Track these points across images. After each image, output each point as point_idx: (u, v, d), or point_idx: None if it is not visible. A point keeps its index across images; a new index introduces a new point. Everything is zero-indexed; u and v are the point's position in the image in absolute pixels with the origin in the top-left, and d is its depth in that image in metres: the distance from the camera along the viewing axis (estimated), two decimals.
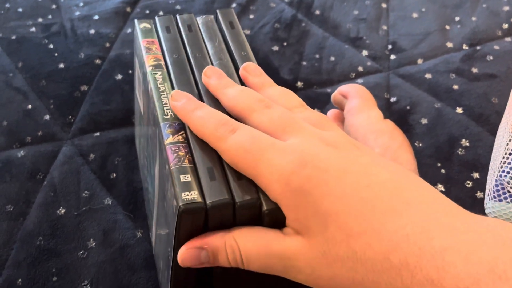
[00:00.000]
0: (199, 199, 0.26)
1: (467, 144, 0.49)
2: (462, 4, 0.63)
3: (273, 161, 0.25)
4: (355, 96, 0.43)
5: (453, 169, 0.47)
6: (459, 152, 0.48)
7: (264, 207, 0.26)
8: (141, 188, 0.45)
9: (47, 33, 0.58)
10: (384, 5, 0.63)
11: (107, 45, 0.57)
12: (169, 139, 0.29)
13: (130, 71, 0.54)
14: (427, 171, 0.47)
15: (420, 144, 0.49)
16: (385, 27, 0.61)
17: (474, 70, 0.55)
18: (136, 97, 0.41)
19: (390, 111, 0.52)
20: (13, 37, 0.57)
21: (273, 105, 0.28)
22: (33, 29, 0.59)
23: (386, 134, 0.40)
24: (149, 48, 0.34)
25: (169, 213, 0.28)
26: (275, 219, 0.26)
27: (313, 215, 0.24)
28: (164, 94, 0.31)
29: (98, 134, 0.49)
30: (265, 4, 0.63)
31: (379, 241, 0.23)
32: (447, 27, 0.60)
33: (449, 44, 0.58)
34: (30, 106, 0.51)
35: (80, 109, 0.51)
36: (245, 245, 0.26)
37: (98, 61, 0.56)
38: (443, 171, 0.47)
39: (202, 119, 0.28)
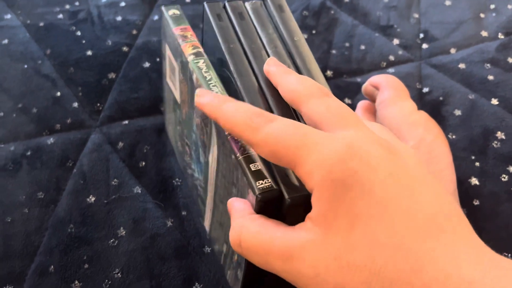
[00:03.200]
0: (274, 186, 0.26)
1: (503, 136, 0.47)
2: None
3: (318, 146, 0.23)
4: (387, 87, 0.42)
5: (488, 163, 0.46)
6: (494, 145, 0.47)
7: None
8: (170, 176, 0.45)
9: (74, 20, 0.58)
10: None
11: (134, 32, 0.57)
12: None
13: (158, 59, 0.54)
14: (461, 164, 0.46)
15: (454, 136, 0.48)
16: (416, 15, 0.59)
17: (510, 60, 0.54)
18: (167, 85, 0.41)
19: (422, 102, 0.51)
20: (41, 24, 0.57)
21: (333, 96, 0.27)
22: (61, 15, 0.58)
23: (421, 126, 0.39)
24: (184, 35, 0.34)
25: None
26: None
27: (344, 213, 0.22)
28: (212, 83, 0.31)
29: (126, 122, 0.49)
30: None
31: (405, 258, 0.21)
32: (482, 15, 0.58)
33: (484, 33, 0.57)
34: (59, 94, 0.51)
35: (108, 97, 0.51)
36: (247, 237, 0.25)
37: (125, 49, 0.55)
38: (477, 164, 0.46)
39: (235, 110, 0.26)
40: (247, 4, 0.36)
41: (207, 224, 0.39)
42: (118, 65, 0.54)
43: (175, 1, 0.60)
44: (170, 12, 0.36)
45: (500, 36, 0.56)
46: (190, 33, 0.34)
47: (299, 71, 0.32)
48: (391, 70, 0.54)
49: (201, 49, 0.33)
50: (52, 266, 0.39)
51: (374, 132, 0.25)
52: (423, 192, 0.23)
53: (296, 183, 0.26)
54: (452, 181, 0.38)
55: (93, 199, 0.43)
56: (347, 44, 0.56)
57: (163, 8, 0.36)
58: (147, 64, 0.54)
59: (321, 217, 0.23)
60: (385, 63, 0.54)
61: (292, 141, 0.24)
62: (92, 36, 0.56)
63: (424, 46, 0.56)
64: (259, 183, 0.26)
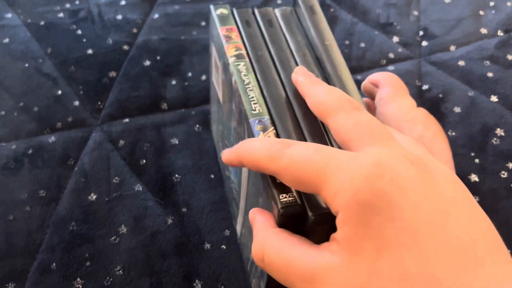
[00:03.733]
0: (298, 201, 0.25)
1: (502, 133, 0.48)
2: None
3: (343, 165, 0.21)
4: (386, 85, 0.42)
5: (488, 159, 0.46)
6: (494, 142, 0.47)
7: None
8: (170, 173, 0.45)
9: (74, 19, 0.58)
10: None
11: (134, 30, 0.57)
12: (260, 136, 0.27)
13: (158, 57, 0.54)
14: (460, 161, 0.46)
15: (453, 133, 0.48)
16: (416, 13, 0.59)
17: (510, 57, 0.54)
18: (213, 83, 0.40)
19: (422, 99, 0.51)
20: (42, 23, 0.58)
21: (363, 109, 0.25)
22: (61, 14, 0.59)
23: (420, 123, 0.39)
24: (228, 36, 0.33)
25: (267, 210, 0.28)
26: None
27: (371, 238, 0.20)
28: (249, 87, 0.30)
29: (127, 120, 0.49)
30: None
31: None
32: (481, 12, 0.58)
33: (483, 30, 0.57)
34: (59, 92, 0.51)
35: (109, 96, 0.51)
36: (270, 252, 0.24)
37: (125, 47, 0.55)
38: (477, 161, 0.46)
39: (253, 146, 0.25)
40: (277, 11, 0.35)
41: (238, 228, 0.39)
42: (118, 64, 0.54)
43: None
44: (218, 12, 0.35)
45: (500, 33, 0.56)
46: (235, 34, 0.33)
47: (329, 78, 0.31)
48: (390, 67, 0.54)
49: (244, 51, 0.32)
50: (54, 264, 0.40)
51: (406, 147, 0.24)
52: (458, 217, 0.21)
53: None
54: None
55: (94, 197, 0.44)
56: (346, 42, 0.56)
57: (211, 7, 0.35)
58: (147, 63, 0.54)
59: (347, 240, 0.21)
60: (384, 61, 0.55)
61: (314, 163, 0.22)
62: (93, 34, 0.57)
63: (424, 43, 0.56)
64: (282, 196, 0.25)
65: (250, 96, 0.29)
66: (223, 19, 0.34)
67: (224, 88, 0.35)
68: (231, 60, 0.31)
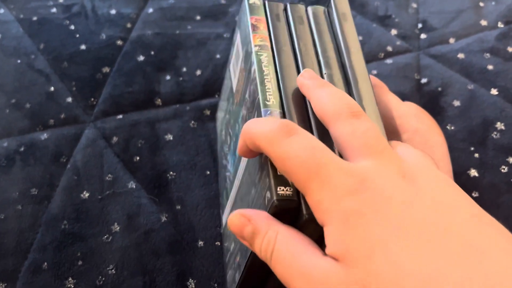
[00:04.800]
0: (295, 197, 0.24)
1: (503, 127, 0.47)
2: None
3: (329, 180, 0.21)
4: None
5: (488, 154, 0.45)
6: (494, 136, 0.46)
7: (304, 211, 0.24)
8: (164, 170, 0.44)
9: (68, 14, 0.57)
10: None
11: (128, 25, 0.56)
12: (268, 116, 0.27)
13: (152, 52, 0.53)
14: (460, 155, 0.45)
15: (453, 127, 0.47)
16: (414, 5, 0.58)
17: (510, 49, 0.53)
18: (229, 72, 0.40)
19: (420, 93, 0.50)
20: (34, 18, 0.57)
21: (362, 116, 0.24)
22: (54, 10, 0.58)
23: (412, 117, 0.38)
24: (256, 26, 0.33)
25: (257, 202, 0.27)
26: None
27: (360, 240, 0.20)
28: (267, 78, 0.30)
29: (120, 116, 0.48)
30: None
31: (439, 286, 0.19)
32: (481, 4, 0.57)
33: (483, 22, 0.56)
34: (52, 89, 0.51)
35: (103, 91, 0.50)
36: (280, 246, 0.23)
37: (119, 42, 0.55)
38: (476, 155, 0.45)
39: (257, 124, 0.25)
40: (309, 9, 0.35)
41: (224, 218, 0.39)
42: (112, 59, 0.53)
43: None
44: (251, 1, 0.35)
45: (500, 25, 0.55)
46: (263, 25, 0.33)
47: (350, 85, 0.31)
48: (389, 60, 0.53)
49: (268, 44, 0.32)
50: (45, 263, 0.39)
51: (403, 159, 0.23)
52: (455, 216, 0.21)
53: None
54: (448, 171, 0.37)
55: (87, 194, 0.43)
56: None
57: None
58: (141, 58, 0.53)
59: (337, 246, 0.21)
60: (383, 54, 0.54)
61: (305, 165, 0.22)
62: (86, 30, 0.56)
63: (423, 36, 0.55)
64: (280, 188, 0.25)
65: (267, 87, 0.29)
66: (254, 9, 0.34)
67: (240, 77, 0.35)
68: (255, 49, 0.31)
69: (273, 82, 0.30)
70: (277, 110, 0.28)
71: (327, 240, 0.21)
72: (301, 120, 0.28)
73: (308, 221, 0.24)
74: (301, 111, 0.28)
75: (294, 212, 0.25)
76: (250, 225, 0.25)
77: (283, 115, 0.28)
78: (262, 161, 0.27)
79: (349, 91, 0.30)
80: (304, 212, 0.24)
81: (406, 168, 0.22)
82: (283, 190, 0.25)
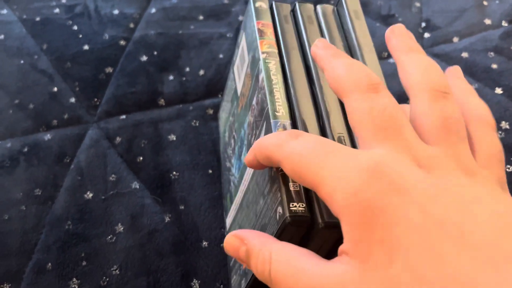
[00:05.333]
0: (307, 213, 0.24)
1: (507, 126, 0.46)
2: None
3: (341, 166, 0.20)
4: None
5: None
6: (499, 135, 0.46)
7: (319, 220, 0.24)
8: (167, 170, 0.44)
9: (70, 14, 0.57)
10: None
11: (131, 25, 0.56)
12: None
13: (155, 52, 0.53)
14: None
15: None
16: (418, 4, 0.58)
17: None
18: (233, 73, 0.40)
19: None
20: (37, 19, 0.57)
21: (382, 91, 0.22)
22: (57, 10, 0.58)
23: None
24: (263, 31, 0.32)
25: (267, 214, 0.27)
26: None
27: (379, 241, 0.18)
28: (276, 88, 0.29)
29: (124, 117, 0.48)
30: None
31: None
32: (485, 2, 0.57)
33: (487, 21, 0.55)
34: (55, 89, 0.51)
35: (106, 92, 0.50)
36: (277, 265, 0.22)
37: (122, 42, 0.55)
38: None
39: (265, 138, 0.24)
40: (318, 7, 0.34)
41: (228, 221, 0.39)
42: (115, 59, 0.53)
43: None
44: (257, 4, 0.34)
45: (504, 24, 0.55)
46: (270, 31, 0.32)
47: None
48: (392, 60, 0.53)
49: (276, 50, 0.31)
50: (49, 264, 0.39)
51: (424, 146, 0.21)
52: (478, 214, 0.19)
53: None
54: None
55: (90, 195, 0.43)
56: None
57: None
58: (144, 58, 0.53)
59: (355, 248, 0.19)
60: (386, 53, 0.53)
61: (314, 159, 0.21)
62: (89, 30, 0.56)
63: (426, 35, 0.55)
64: (293, 204, 0.24)
65: (276, 97, 0.29)
66: (260, 13, 0.33)
67: (246, 82, 0.34)
68: (262, 55, 0.31)
69: (282, 91, 0.29)
70: (287, 121, 0.28)
71: (345, 233, 0.20)
72: (310, 128, 0.28)
73: (323, 229, 0.24)
74: (312, 119, 0.28)
75: (307, 226, 0.25)
76: (244, 246, 0.24)
77: (294, 125, 0.28)
78: (272, 174, 0.27)
79: None
80: (320, 220, 0.24)
81: (422, 156, 0.20)
82: (295, 206, 0.24)
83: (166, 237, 0.40)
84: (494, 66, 0.51)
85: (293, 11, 0.34)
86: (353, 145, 0.27)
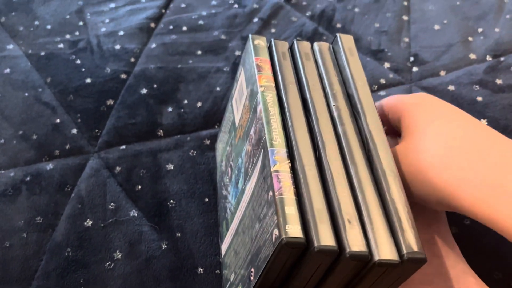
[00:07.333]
0: (302, 235, 0.26)
1: None
2: (485, 16, 0.62)
3: (403, 97, 0.38)
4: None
5: None
6: None
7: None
8: (165, 199, 0.46)
9: (74, 49, 0.60)
10: (405, 18, 0.63)
11: (132, 60, 0.59)
12: (276, 166, 0.29)
13: (155, 85, 0.56)
14: None
15: None
16: (406, 39, 0.61)
17: (498, 81, 0.55)
18: (231, 106, 0.42)
19: None
20: (42, 53, 0.59)
21: None
22: (61, 45, 0.60)
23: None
24: (261, 67, 0.35)
25: (262, 237, 0.28)
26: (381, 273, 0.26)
27: (411, 124, 0.35)
28: (273, 118, 0.31)
29: (124, 147, 0.50)
30: (286, 18, 0.63)
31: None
32: (470, 38, 0.60)
33: (472, 56, 0.58)
34: (58, 120, 0.53)
35: (106, 123, 0.52)
36: None
37: (123, 76, 0.57)
38: None
39: None
40: (315, 45, 0.37)
41: (224, 248, 0.40)
42: (116, 92, 0.55)
43: (172, 29, 0.62)
44: (256, 42, 0.37)
45: (488, 58, 0.58)
46: (268, 67, 0.35)
47: (357, 115, 0.33)
48: (382, 93, 0.55)
49: (273, 84, 0.34)
50: None
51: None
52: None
53: (328, 235, 0.26)
54: None
55: (90, 223, 0.44)
56: None
57: (250, 36, 0.37)
58: (144, 91, 0.55)
59: (406, 128, 0.34)
60: (376, 86, 0.56)
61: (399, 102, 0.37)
62: (92, 64, 0.58)
63: (415, 69, 0.57)
64: (289, 227, 0.26)
65: (273, 127, 0.31)
66: (259, 50, 0.36)
67: (244, 114, 0.37)
68: (260, 89, 0.33)
69: (278, 121, 0.31)
70: (283, 150, 0.29)
71: (402, 125, 0.35)
72: (306, 157, 0.29)
73: (318, 253, 0.25)
74: (308, 148, 0.30)
75: (302, 249, 0.26)
76: None
77: (289, 154, 0.29)
78: (269, 199, 0.28)
79: (357, 122, 0.32)
80: (315, 244, 0.25)
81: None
82: (291, 228, 0.26)
83: (163, 263, 0.41)
84: (479, 98, 0.53)
85: (291, 48, 0.37)
86: (349, 177, 0.29)
